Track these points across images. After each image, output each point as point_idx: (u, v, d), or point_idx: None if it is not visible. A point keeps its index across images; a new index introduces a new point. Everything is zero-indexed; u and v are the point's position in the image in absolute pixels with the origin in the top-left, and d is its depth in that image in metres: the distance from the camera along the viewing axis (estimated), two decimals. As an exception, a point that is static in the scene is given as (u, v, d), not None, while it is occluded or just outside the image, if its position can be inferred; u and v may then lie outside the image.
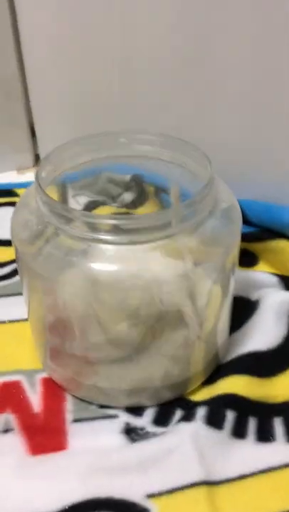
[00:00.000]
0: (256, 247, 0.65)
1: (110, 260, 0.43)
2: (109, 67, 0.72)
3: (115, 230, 0.41)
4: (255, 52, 0.61)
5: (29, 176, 0.84)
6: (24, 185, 0.80)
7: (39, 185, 0.44)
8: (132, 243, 0.42)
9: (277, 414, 0.50)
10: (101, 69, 0.73)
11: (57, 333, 0.50)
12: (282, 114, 0.62)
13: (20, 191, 0.79)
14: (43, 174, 0.46)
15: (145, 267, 0.43)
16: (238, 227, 0.47)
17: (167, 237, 0.43)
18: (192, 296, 0.46)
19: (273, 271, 0.63)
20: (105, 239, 0.42)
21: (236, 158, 0.65)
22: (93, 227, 0.42)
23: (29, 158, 0.86)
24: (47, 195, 0.43)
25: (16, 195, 0.79)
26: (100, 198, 0.64)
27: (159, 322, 0.46)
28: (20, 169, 0.86)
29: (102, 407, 0.51)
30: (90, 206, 0.64)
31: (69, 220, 0.43)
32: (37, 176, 0.45)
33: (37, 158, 0.87)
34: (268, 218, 0.64)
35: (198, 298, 0.47)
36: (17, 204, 0.50)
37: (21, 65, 0.78)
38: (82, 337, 0.49)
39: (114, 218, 0.42)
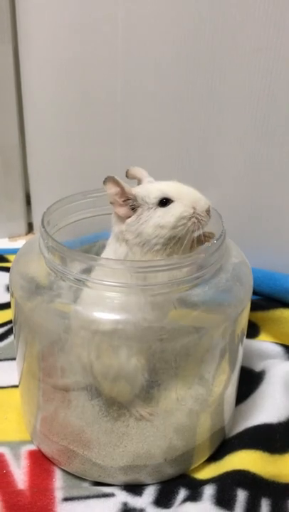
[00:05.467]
0: (258, 316, 0.63)
1: (115, 309, 0.40)
2: (112, 142, 0.73)
3: (125, 275, 0.39)
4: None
5: (21, 243, 0.82)
6: (16, 251, 0.77)
7: (45, 231, 0.42)
8: (142, 291, 0.40)
9: (293, 496, 0.45)
10: (101, 143, 0.74)
11: (51, 399, 0.46)
12: (286, 182, 0.62)
13: (11, 257, 0.77)
14: (49, 220, 0.45)
15: (151, 317, 0.40)
16: (249, 285, 0.45)
17: (179, 286, 0.40)
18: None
19: (276, 341, 0.61)
20: (111, 285, 0.39)
21: (238, 226, 0.65)
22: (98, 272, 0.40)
23: (22, 226, 0.84)
24: (53, 239, 0.41)
25: (6, 260, 0.77)
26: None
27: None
28: (13, 237, 0.84)
29: (96, 483, 0.45)
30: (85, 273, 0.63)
31: (73, 264, 0.40)
32: (43, 223, 0.43)
33: (30, 226, 0.85)
34: (270, 286, 0.62)
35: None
36: (16, 257, 0.48)
37: (22, 137, 0.79)
38: (79, 402, 0.45)
39: (124, 263, 0.39)
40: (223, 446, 0.48)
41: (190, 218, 0.42)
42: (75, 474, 0.46)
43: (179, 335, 0.41)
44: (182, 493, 0.45)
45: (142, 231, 0.43)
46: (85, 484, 0.45)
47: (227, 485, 0.44)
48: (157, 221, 0.42)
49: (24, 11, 0.69)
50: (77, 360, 0.43)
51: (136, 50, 0.66)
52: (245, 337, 0.48)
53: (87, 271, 0.42)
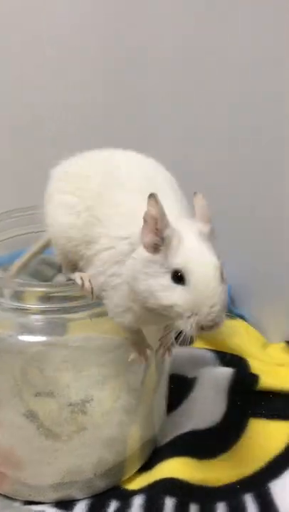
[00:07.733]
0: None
1: (40, 331, 0.40)
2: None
3: (46, 298, 0.40)
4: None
5: None
6: None
7: None
8: (64, 312, 0.40)
9: (220, 499, 0.46)
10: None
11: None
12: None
13: None
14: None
15: (76, 337, 0.41)
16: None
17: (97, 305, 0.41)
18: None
19: (209, 347, 0.62)
20: (36, 308, 0.40)
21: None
22: (23, 297, 0.41)
23: None
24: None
25: None
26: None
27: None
28: None
29: (27, 502, 0.46)
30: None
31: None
32: None
33: None
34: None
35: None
36: None
37: None
38: (9, 423, 0.45)
39: (45, 286, 0.40)
40: (155, 455, 0.49)
41: (188, 318, 0.33)
42: (6, 495, 0.46)
43: (98, 348, 0.42)
44: (113, 505, 0.45)
45: (137, 278, 0.34)
46: (16, 504, 0.46)
47: (155, 494, 0.44)
48: (154, 287, 0.33)
49: None
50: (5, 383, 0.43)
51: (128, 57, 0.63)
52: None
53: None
